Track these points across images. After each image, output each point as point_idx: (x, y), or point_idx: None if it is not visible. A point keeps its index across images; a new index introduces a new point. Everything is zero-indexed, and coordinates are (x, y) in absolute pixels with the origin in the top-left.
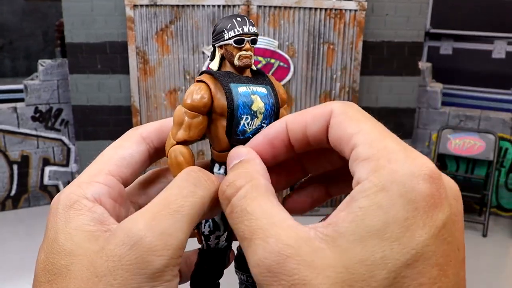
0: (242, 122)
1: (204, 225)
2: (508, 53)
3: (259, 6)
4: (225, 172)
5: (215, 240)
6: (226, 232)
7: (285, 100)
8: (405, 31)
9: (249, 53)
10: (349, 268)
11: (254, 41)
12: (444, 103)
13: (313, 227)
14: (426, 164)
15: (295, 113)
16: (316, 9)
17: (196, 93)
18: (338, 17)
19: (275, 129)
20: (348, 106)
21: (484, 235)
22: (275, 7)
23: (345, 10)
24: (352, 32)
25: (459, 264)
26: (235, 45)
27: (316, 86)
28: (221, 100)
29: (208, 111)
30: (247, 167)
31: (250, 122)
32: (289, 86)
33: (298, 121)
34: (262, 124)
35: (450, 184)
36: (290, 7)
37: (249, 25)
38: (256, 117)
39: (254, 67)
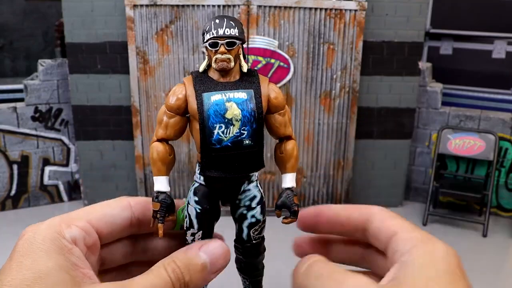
0: (215, 131)
1: (184, 222)
2: (508, 53)
3: (259, 6)
4: (201, 172)
5: (191, 237)
6: (201, 232)
7: (278, 105)
8: (405, 31)
9: (224, 56)
10: None
11: (230, 44)
12: (444, 103)
13: (383, 280)
14: (451, 247)
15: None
16: (316, 9)
17: (173, 95)
18: (338, 17)
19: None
20: (385, 209)
21: (484, 235)
22: (275, 7)
23: (345, 10)
24: (352, 32)
25: None
26: (210, 48)
27: (316, 86)
28: (193, 103)
29: (184, 112)
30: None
31: (226, 130)
32: (289, 86)
33: (347, 209)
34: (242, 131)
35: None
36: (290, 7)
37: (225, 28)
38: (232, 124)
39: (244, 69)
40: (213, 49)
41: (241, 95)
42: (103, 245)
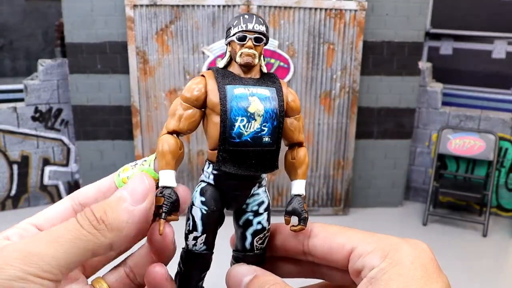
0: (237, 124)
1: (186, 223)
2: (508, 53)
3: (259, 6)
4: (213, 170)
5: (193, 241)
6: (205, 235)
7: (295, 109)
8: (405, 31)
9: (251, 51)
10: None
11: (258, 40)
12: (444, 103)
13: None
14: (416, 241)
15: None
16: (316, 9)
17: (191, 86)
18: (338, 17)
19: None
20: (324, 225)
21: (484, 235)
22: (275, 7)
23: (345, 10)
24: (352, 32)
25: None
26: (237, 41)
27: (316, 86)
28: (213, 96)
29: (202, 106)
30: (272, 279)
31: (247, 124)
32: (289, 86)
33: (278, 234)
34: (262, 128)
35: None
36: (290, 7)
37: (254, 23)
38: (254, 119)
39: (264, 69)
40: (241, 43)
41: (264, 91)
42: None
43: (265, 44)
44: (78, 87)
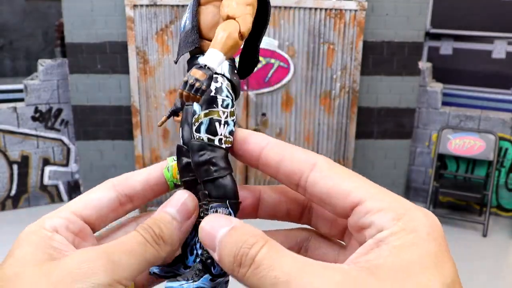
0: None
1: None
2: (508, 53)
3: None
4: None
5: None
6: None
7: None
8: (405, 31)
9: None
10: None
11: None
12: (444, 103)
13: (350, 262)
14: (427, 211)
15: (278, 142)
16: (316, 9)
17: None
18: (338, 17)
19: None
20: (332, 162)
21: (484, 235)
22: (275, 7)
23: (345, 10)
24: (352, 32)
25: None
26: None
27: (316, 86)
28: None
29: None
30: (252, 230)
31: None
32: (289, 86)
33: (277, 151)
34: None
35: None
36: (290, 7)
37: None
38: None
39: None
40: None
41: None
42: (106, 235)
43: None
44: (78, 87)
